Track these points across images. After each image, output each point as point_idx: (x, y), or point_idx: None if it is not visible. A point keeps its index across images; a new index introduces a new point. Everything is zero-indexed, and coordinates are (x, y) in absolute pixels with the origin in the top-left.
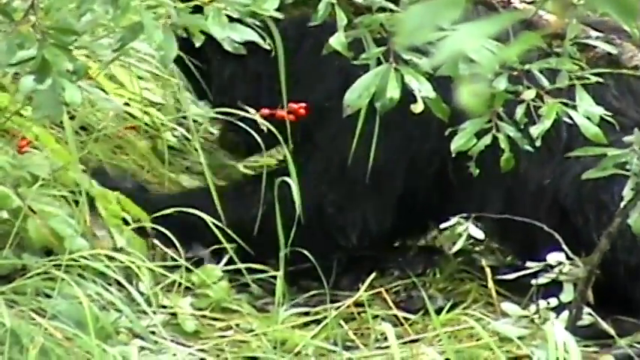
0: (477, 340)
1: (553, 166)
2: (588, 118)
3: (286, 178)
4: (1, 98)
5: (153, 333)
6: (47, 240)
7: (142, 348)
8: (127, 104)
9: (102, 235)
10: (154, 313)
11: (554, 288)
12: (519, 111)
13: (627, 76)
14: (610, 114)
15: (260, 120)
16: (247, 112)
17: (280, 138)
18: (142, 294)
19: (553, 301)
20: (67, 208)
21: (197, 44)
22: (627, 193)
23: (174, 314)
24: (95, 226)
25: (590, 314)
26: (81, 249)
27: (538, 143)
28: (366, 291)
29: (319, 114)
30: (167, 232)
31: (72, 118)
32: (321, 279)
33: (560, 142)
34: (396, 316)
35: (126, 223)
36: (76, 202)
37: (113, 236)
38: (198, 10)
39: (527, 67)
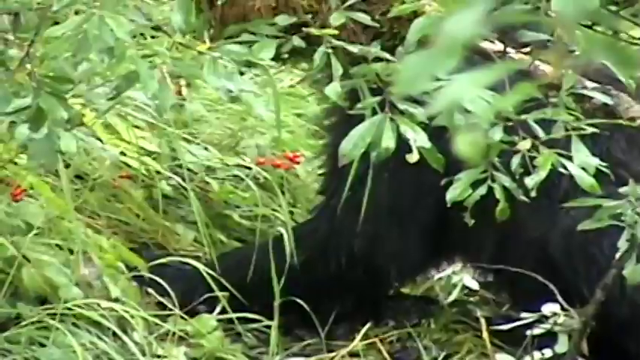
0: None
1: (543, 218)
2: (584, 169)
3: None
4: None
5: None
6: (42, 289)
7: None
8: (122, 153)
9: (96, 284)
10: None
11: (548, 339)
12: (515, 161)
13: (632, 128)
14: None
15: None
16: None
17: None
18: (136, 343)
19: (548, 352)
20: (62, 257)
21: None
22: (622, 244)
23: None
24: (89, 276)
25: None
26: (75, 298)
27: (534, 194)
28: (361, 341)
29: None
30: (162, 281)
31: (67, 166)
32: (316, 328)
33: (557, 193)
34: None
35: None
36: (71, 251)
37: (107, 285)
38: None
39: (523, 117)
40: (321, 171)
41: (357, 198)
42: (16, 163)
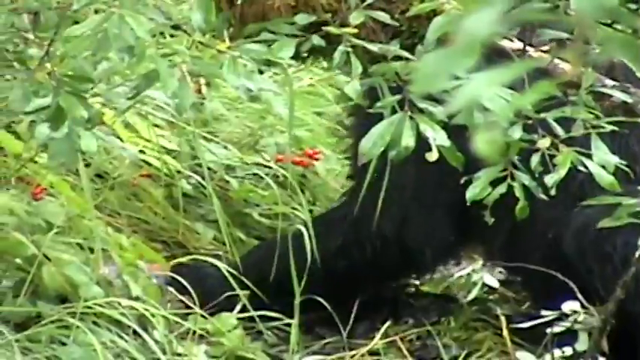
0: None
1: (556, 215)
2: (603, 167)
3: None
4: (16, 146)
5: None
6: (62, 287)
7: None
8: (142, 152)
9: (116, 282)
10: None
11: (569, 337)
12: (534, 159)
13: None
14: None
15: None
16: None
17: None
18: (156, 342)
19: (568, 350)
20: (82, 256)
21: None
22: None
23: None
24: (110, 274)
25: None
26: (96, 297)
27: (553, 192)
28: (381, 339)
29: None
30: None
31: (87, 165)
32: (336, 327)
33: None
34: None
35: None
36: (91, 250)
37: (128, 284)
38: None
39: (542, 115)
40: (347, 162)
41: (384, 182)
42: (36, 162)
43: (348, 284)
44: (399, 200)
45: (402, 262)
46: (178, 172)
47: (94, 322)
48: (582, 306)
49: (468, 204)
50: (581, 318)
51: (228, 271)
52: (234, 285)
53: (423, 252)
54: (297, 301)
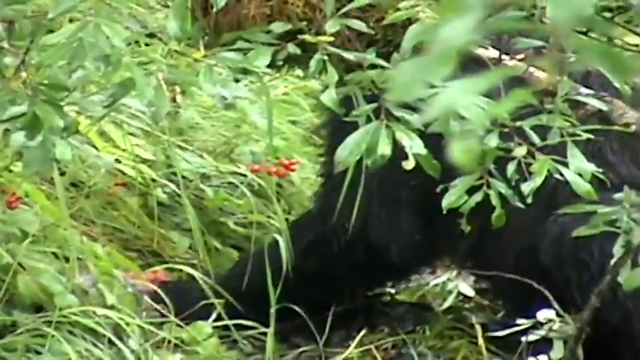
0: None
1: (532, 224)
2: (580, 175)
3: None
4: None
5: None
6: (37, 296)
7: None
8: (117, 161)
9: (92, 291)
10: None
11: (544, 345)
12: (511, 168)
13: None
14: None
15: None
16: (238, 167)
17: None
18: (132, 351)
19: (543, 359)
20: (57, 265)
21: None
22: (617, 250)
23: None
24: (85, 283)
25: None
26: (71, 305)
27: (529, 200)
28: (356, 348)
29: None
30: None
31: (62, 174)
32: (312, 335)
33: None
34: None
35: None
36: (66, 259)
37: (103, 293)
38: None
39: (518, 124)
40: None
41: (349, 182)
42: (11, 171)
43: (320, 285)
44: (362, 197)
45: (368, 258)
46: (153, 180)
47: (70, 331)
48: (557, 314)
49: (431, 207)
50: (556, 326)
51: (204, 280)
52: (210, 294)
53: (387, 247)
54: (273, 309)
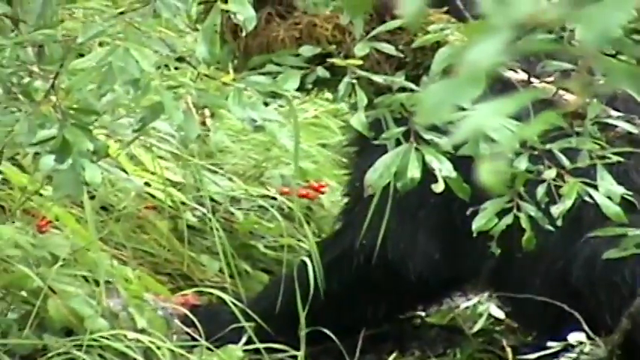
0: None
1: (563, 247)
2: (609, 198)
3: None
4: (21, 178)
5: None
6: (67, 320)
7: None
8: (147, 184)
9: (122, 315)
10: None
11: None
12: (540, 190)
13: None
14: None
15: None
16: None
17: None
18: None
19: None
20: (87, 288)
21: None
22: None
23: None
24: (115, 307)
25: None
26: (101, 329)
27: (559, 223)
28: None
29: None
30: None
31: (92, 197)
32: (343, 359)
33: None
34: None
35: None
36: (96, 282)
37: (133, 316)
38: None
39: (547, 146)
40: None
41: (371, 200)
42: (41, 195)
43: (342, 305)
44: (380, 215)
45: (387, 277)
46: (183, 204)
47: (100, 355)
48: (588, 337)
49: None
50: (587, 349)
51: (234, 304)
52: (240, 317)
53: (405, 266)
54: (303, 332)
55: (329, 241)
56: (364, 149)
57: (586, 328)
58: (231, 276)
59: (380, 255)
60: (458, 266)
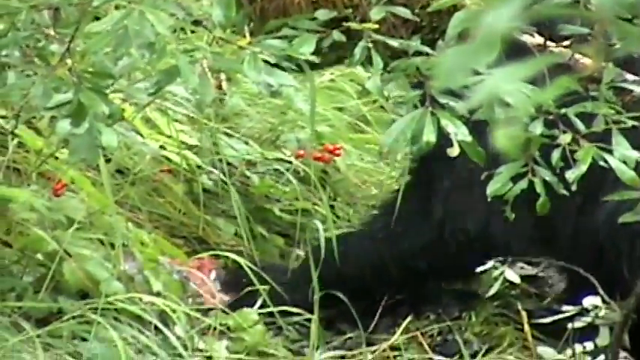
0: None
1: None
2: (625, 162)
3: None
4: (37, 141)
5: None
6: (83, 283)
7: None
8: (162, 147)
9: (138, 278)
10: (190, 356)
11: (590, 332)
12: (555, 155)
13: None
14: None
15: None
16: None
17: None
18: (177, 337)
19: (589, 345)
20: (103, 252)
21: None
22: None
23: (210, 358)
24: (131, 270)
25: (625, 358)
26: (117, 292)
27: (574, 187)
28: (401, 334)
29: None
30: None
31: (108, 161)
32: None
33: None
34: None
35: None
36: (112, 246)
37: (149, 280)
38: None
39: (563, 111)
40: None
41: (467, 180)
42: (57, 158)
43: (424, 282)
44: (483, 198)
45: (485, 256)
46: (199, 167)
47: (115, 318)
48: (603, 301)
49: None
50: (602, 313)
51: (249, 267)
52: (255, 281)
53: (508, 245)
54: (317, 296)
55: (420, 217)
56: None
57: (601, 292)
58: (247, 239)
59: (482, 238)
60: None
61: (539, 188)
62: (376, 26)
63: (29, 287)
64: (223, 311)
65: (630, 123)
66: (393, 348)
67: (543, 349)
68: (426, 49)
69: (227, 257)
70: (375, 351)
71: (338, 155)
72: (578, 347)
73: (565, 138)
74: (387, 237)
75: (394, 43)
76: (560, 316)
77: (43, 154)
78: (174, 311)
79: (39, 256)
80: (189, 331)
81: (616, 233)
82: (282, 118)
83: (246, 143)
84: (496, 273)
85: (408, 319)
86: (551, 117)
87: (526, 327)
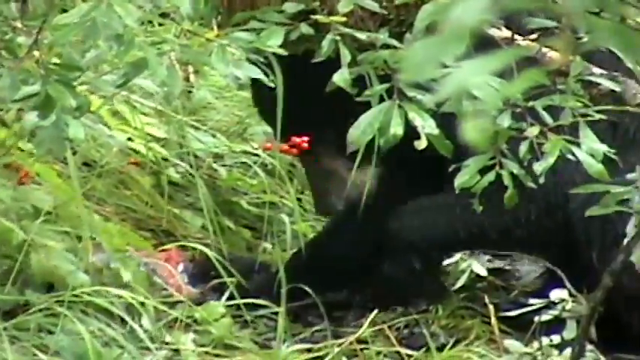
0: None
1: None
2: (592, 155)
3: None
4: (2, 133)
5: None
6: (50, 275)
7: None
8: (130, 140)
9: (105, 270)
10: (157, 349)
11: (557, 325)
12: (523, 148)
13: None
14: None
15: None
16: (251, 146)
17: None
18: (144, 330)
19: (556, 338)
20: (70, 243)
21: None
22: (630, 230)
23: (176, 351)
24: (98, 262)
25: (592, 351)
26: (83, 284)
27: (542, 180)
28: (368, 327)
29: None
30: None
31: (75, 153)
32: (326, 315)
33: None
34: (398, 352)
35: None
36: (79, 238)
37: (117, 272)
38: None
39: (530, 104)
40: None
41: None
42: (23, 150)
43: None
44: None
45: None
46: (166, 160)
47: (82, 311)
48: (570, 294)
49: None
50: (569, 306)
51: (217, 259)
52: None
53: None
54: (284, 289)
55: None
56: None
57: (568, 285)
58: (214, 232)
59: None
60: None
61: (506, 181)
62: (344, 19)
63: None
64: (191, 304)
65: (597, 116)
66: (360, 341)
67: (510, 342)
68: (394, 42)
69: (194, 249)
70: (342, 344)
71: (305, 148)
72: (545, 340)
73: (533, 131)
74: (355, 231)
75: (362, 36)
76: (527, 309)
77: (8, 146)
78: (141, 304)
79: (5, 248)
80: (157, 324)
81: (590, 221)
82: (250, 111)
83: (214, 136)
84: (463, 266)
85: (375, 312)
86: (518, 110)
87: (493, 320)
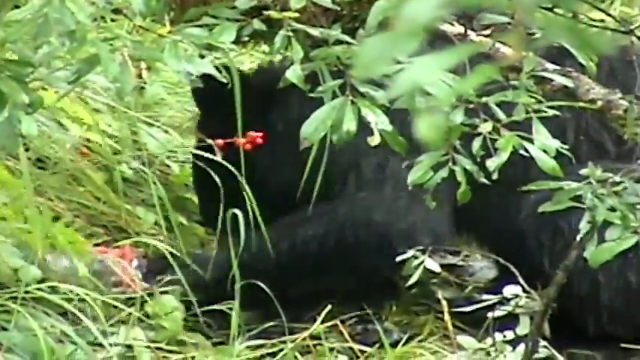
0: None
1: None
2: (545, 152)
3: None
4: None
5: None
6: (2, 272)
7: None
8: (82, 136)
9: (59, 267)
10: (110, 345)
11: (510, 321)
12: (476, 144)
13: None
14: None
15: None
16: (204, 141)
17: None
18: (97, 327)
19: (509, 334)
20: (21, 239)
21: None
22: (583, 226)
23: (130, 347)
24: (51, 258)
25: (545, 347)
26: (35, 279)
27: (495, 176)
28: (322, 323)
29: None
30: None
31: (27, 149)
32: (278, 312)
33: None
34: (352, 348)
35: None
36: (30, 233)
37: (70, 268)
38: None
39: (483, 100)
40: None
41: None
42: None
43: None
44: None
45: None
46: (116, 154)
47: (35, 307)
48: (524, 290)
49: None
50: (522, 302)
51: (172, 255)
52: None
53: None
54: (238, 285)
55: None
56: None
57: (522, 281)
58: (167, 228)
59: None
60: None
61: (459, 177)
62: (297, 15)
63: None
64: (144, 300)
65: (550, 112)
66: (313, 337)
67: (463, 338)
68: (347, 38)
69: (148, 245)
70: (295, 340)
71: (260, 143)
72: (499, 336)
73: (486, 127)
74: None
75: (314, 32)
76: (481, 305)
77: None
78: (94, 300)
79: None
80: (110, 320)
81: (540, 225)
82: None
83: (167, 132)
84: (416, 262)
85: (329, 307)
86: (471, 106)
87: (446, 316)
